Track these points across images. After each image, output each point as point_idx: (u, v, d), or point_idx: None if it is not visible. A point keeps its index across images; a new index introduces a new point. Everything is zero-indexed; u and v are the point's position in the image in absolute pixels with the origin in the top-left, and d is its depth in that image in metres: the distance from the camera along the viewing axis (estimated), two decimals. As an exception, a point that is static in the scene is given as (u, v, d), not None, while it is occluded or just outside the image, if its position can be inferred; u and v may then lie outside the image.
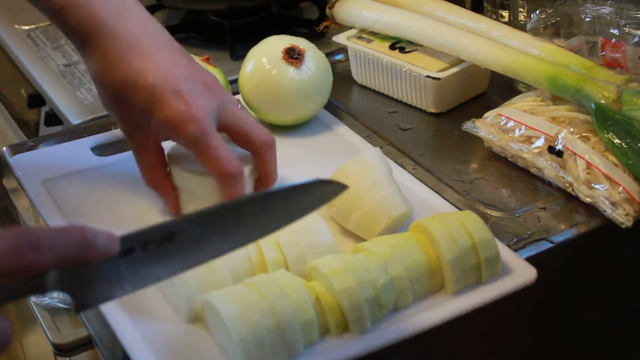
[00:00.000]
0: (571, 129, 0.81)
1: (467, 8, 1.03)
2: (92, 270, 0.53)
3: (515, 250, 0.75)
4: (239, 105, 0.78)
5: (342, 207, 0.75)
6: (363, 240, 0.73)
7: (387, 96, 1.01)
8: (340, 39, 1.02)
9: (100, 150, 0.90)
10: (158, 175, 0.77)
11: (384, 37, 1.00)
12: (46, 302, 0.79)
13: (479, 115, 0.88)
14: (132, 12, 0.75)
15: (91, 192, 0.83)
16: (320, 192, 0.59)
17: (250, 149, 0.76)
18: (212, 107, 0.73)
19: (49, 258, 0.49)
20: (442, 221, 0.70)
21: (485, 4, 1.10)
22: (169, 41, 0.76)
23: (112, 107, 0.76)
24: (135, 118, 0.74)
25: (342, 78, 1.04)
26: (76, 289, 0.53)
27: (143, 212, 0.80)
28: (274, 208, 0.58)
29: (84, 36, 0.73)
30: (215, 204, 0.57)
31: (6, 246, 0.47)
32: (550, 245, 0.77)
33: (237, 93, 0.94)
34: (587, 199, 0.79)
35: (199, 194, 0.76)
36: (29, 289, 0.50)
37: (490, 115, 0.87)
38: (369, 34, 1.01)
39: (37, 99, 1.10)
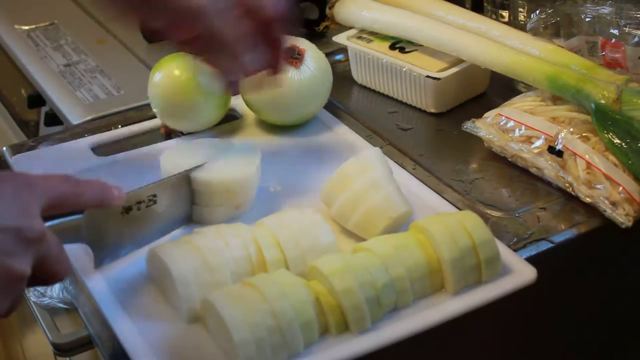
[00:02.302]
0: (571, 129, 0.81)
1: (467, 8, 1.03)
2: (105, 227, 0.69)
3: (515, 250, 0.75)
4: None
5: (342, 207, 0.75)
6: (363, 240, 0.73)
7: (387, 96, 1.01)
8: (340, 39, 1.02)
9: (100, 150, 0.90)
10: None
11: (384, 37, 1.00)
12: (46, 302, 0.79)
13: (479, 115, 0.88)
14: None
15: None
16: None
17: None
18: None
19: (86, 193, 0.63)
20: (442, 221, 0.70)
21: (485, 4, 1.10)
22: None
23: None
24: None
25: (342, 78, 1.04)
26: (95, 243, 0.69)
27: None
28: None
29: None
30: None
31: (64, 180, 0.62)
32: (550, 245, 0.77)
33: (237, 93, 0.94)
34: (587, 199, 0.79)
35: (214, 194, 0.77)
36: (68, 233, 0.65)
37: (490, 115, 0.87)
38: (369, 34, 1.01)
39: (37, 99, 1.10)
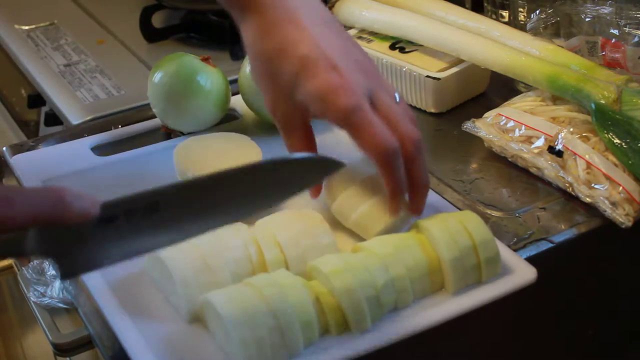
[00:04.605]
0: (571, 129, 0.81)
1: (467, 8, 1.03)
2: (74, 236, 0.53)
3: (515, 250, 0.75)
4: (396, 95, 0.72)
5: (342, 207, 0.75)
6: (363, 239, 0.73)
7: (387, 96, 1.01)
8: (340, 39, 1.02)
9: (100, 150, 0.90)
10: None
11: (384, 37, 1.00)
12: (46, 302, 0.79)
13: (479, 115, 0.88)
14: None
15: (91, 192, 0.82)
16: (315, 167, 0.60)
17: None
18: (366, 86, 0.69)
19: (22, 213, 0.49)
20: (442, 221, 0.70)
21: (485, 4, 1.10)
22: (328, 17, 0.73)
23: (261, 75, 0.72)
24: (282, 89, 0.71)
25: (342, 78, 1.04)
26: (60, 255, 0.53)
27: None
28: (267, 182, 0.57)
29: (244, 5, 0.72)
30: (208, 174, 0.56)
31: None
32: (550, 245, 0.77)
33: (237, 93, 0.94)
34: (587, 199, 0.79)
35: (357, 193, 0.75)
36: (8, 248, 0.50)
37: (490, 115, 0.87)
38: (369, 34, 1.01)
39: (37, 99, 1.11)
